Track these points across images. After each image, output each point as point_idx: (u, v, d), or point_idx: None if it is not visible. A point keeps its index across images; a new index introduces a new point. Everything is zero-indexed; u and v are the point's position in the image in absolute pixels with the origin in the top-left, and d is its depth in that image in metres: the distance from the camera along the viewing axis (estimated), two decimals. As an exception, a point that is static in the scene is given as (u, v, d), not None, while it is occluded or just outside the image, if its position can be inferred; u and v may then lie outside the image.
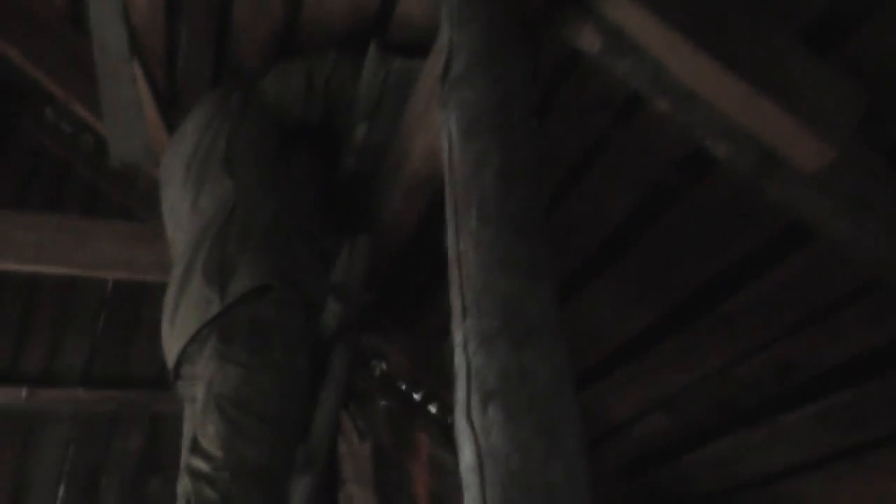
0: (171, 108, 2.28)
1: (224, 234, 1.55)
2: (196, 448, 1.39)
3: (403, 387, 3.05)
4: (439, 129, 1.46)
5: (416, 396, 3.09)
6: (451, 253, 0.96)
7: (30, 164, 3.27)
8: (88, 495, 2.73)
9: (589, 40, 1.32)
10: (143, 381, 2.93)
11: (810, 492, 2.12)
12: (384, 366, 2.87)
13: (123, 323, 3.02)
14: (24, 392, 2.73)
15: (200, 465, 1.36)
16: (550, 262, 0.93)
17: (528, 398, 0.81)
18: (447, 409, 3.10)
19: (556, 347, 0.86)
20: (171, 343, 1.58)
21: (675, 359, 2.07)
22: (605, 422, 2.42)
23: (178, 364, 1.58)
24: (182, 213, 1.68)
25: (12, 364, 2.80)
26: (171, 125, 2.17)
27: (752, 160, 1.31)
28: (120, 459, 2.81)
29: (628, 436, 2.41)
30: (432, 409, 3.17)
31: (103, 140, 3.15)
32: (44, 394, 2.76)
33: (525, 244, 0.92)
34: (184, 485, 1.37)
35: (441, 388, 2.71)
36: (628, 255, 1.97)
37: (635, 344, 2.17)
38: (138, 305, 3.06)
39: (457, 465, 2.35)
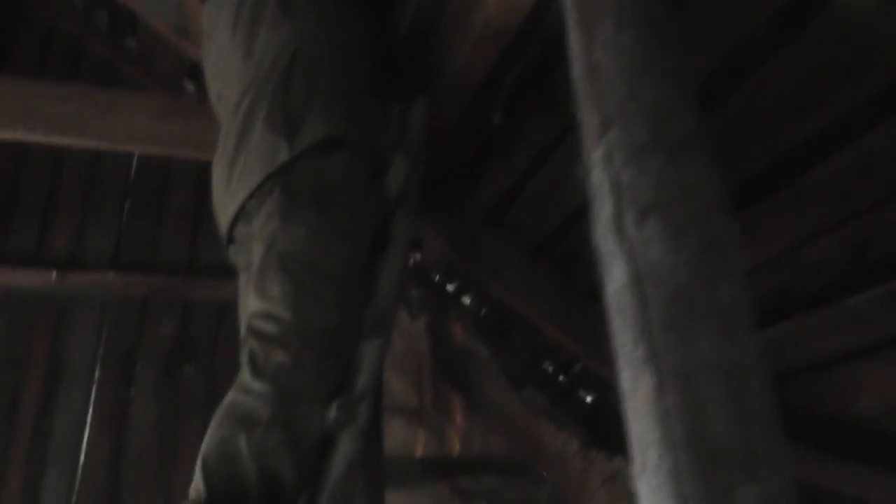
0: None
1: (287, 82, 1.42)
2: (259, 310, 1.31)
3: (437, 277, 2.99)
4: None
5: (450, 287, 3.04)
6: (581, 66, 0.85)
7: (41, 43, 3.10)
8: (125, 379, 2.71)
9: None
10: (173, 266, 2.86)
11: (866, 379, 2.08)
12: (418, 255, 2.80)
13: (150, 206, 2.93)
14: (53, 275, 2.67)
15: (266, 327, 1.29)
16: (692, 73, 0.83)
17: (691, 213, 0.72)
18: (482, 300, 3.06)
19: (711, 160, 0.76)
20: (228, 201, 1.48)
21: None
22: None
23: (233, 224, 1.49)
24: (232, 64, 1.54)
25: (39, 246, 2.73)
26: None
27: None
28: (153, 345, 2.78)
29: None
30: (466, 300, 3.13)
31: (119, 16, 2.99)
32: (73, 277, 2.70)
33: (668, 51, 0.82)
34: (250, 347, 1.29)
35: (480, 276, 2.63)
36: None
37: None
38: (164, 188, 2.97)
39: (488, 354, 2.29)
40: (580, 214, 2.29)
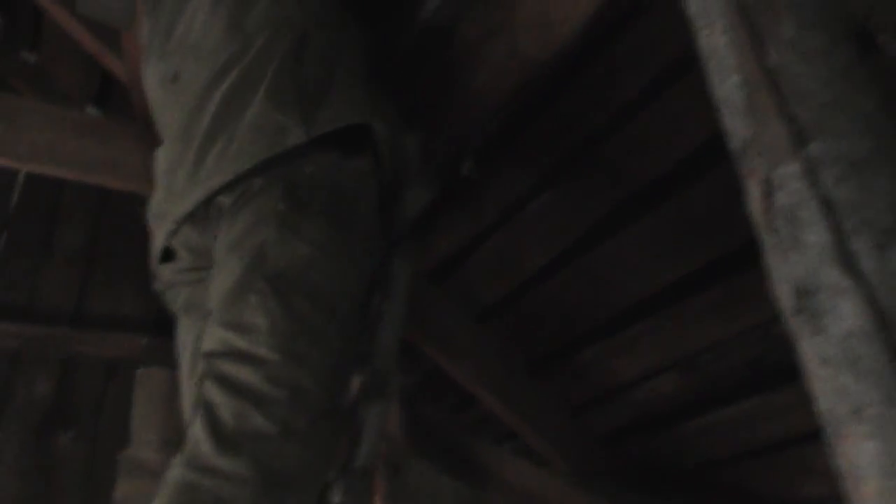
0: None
1: (301, 53, 1.16)
2: (228, 348, 0.97)
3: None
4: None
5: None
6: (749, 70, 0.71)
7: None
8: (-19, 449, 2.21)
9: None
10: (54, 315, 2.43)
11: (814, 462, 2.05)
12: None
13: (32, 242, 2.50)
14: None
15: (241, 373, 0.94)
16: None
17: (943, 241, 0.58)
18: (416, 366, 2.83)
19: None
20: (183, 193, 1.12)
21: (708, 314, 1.93)
22: (605, 382, 2.26)
23: (178, 228, 1.15)
24: (208, 37, 1.24)
25: None
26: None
27: None
28: (23, 408, 2.30)
29: (627, 398, 2.26)
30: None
31: (18, 24, 2.62)
32: (-75, 322, 2.21)
33: (860, 52, 0.70)
34: (209, 401, 0.94)
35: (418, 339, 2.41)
36: (673, 199, 1.80)
37: (659, 298, 2.01)
38: (51, 224, 2.56)
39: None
40: (538, 280, 2.18)
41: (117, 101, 2.54)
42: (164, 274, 1.25)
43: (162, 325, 1.35)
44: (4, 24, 2.64)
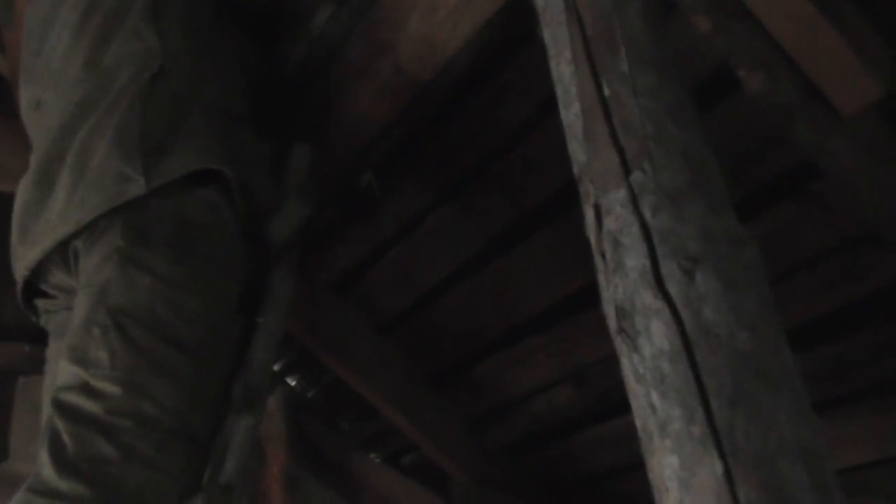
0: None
1: (149, 99, 1.17)
2: (74, 381, 1.00)
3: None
4: (438, 9, 1.26)
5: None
6: (588, 100, 0.75)
7: None
8: None
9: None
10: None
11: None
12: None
13: None
14: None
15: (84, 404, 0.97)
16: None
17: (745, 266, 0.63)
18: (310, 381, 2.80)
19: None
20: (40, 237, 1.15)
21: (599, 329, 1.99)
22: (502, 395, 2.29)
23: (41, 269, 1.17)
24: (68, 70, 1.26)
25: None
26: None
27: (790, 96, 1.24)
28: None
29: (524, 410, 2.30)
30: (290, 381, 2.85)
31: None
32: None
33: (686, 93, 0.75)
34: (53, 431, 0.96)
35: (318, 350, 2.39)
36: (566, 216, 1.86)
37: (553, 312, 2.06)
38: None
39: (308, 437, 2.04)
40: (437, 294, 2.20)
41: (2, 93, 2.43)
42: (40, 305, 1.26)
43: (45, 334, 1.31)
44: None
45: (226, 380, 1.15)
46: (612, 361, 2.05)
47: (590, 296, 1.93)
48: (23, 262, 1.18)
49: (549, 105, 1.63)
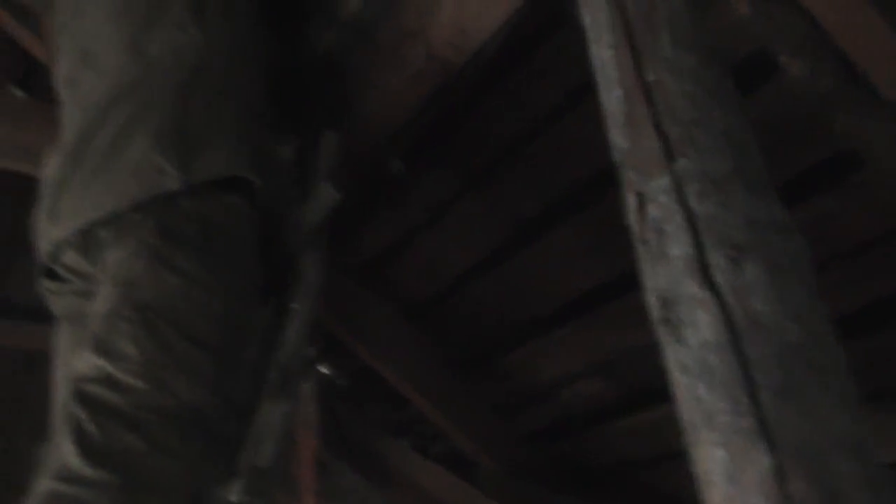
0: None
1: (189, 96, 1.19)
2: (97, 373, 1.01)
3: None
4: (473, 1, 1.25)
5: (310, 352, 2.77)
6: (629, 84, 0.73)
7: None
8: None
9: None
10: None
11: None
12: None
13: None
14: None
15: (108, 396, 0.99)
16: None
17: (791, 255, 0.61)
18: (343, 367, 2.82)
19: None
20: (66, 214, 1.17)
21: (629, 318, 1.97)
22: (531, 383, 2.29)
23: (60, 249, 1.18)
24: (109, 54, 1.26)
25: None
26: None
27: (831, 82, 1.21)
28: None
29: (553, 399, 2.29)
30: (321, 368, 2.87)
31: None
32: None
33: (727, 76, 0.73)
34: (76, 420, 0.98)
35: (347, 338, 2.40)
36: (597, 204, 1.83)
37: (583, 301, 2.05)
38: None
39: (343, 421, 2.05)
40: (466, 281, 2.20)
41: (43, 82, 2.46)
42: (48, 285, 1.26)
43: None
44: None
45: (250, 372, 1.16)
46: (642, 351, 2.04)
47: (619, 284, 1.93)
48: (47, 238, 1.20)
49: (580, 90, 1.62)
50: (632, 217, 0.71)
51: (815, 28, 1.18)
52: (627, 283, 2.02)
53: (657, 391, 2.11)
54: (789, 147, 1.46)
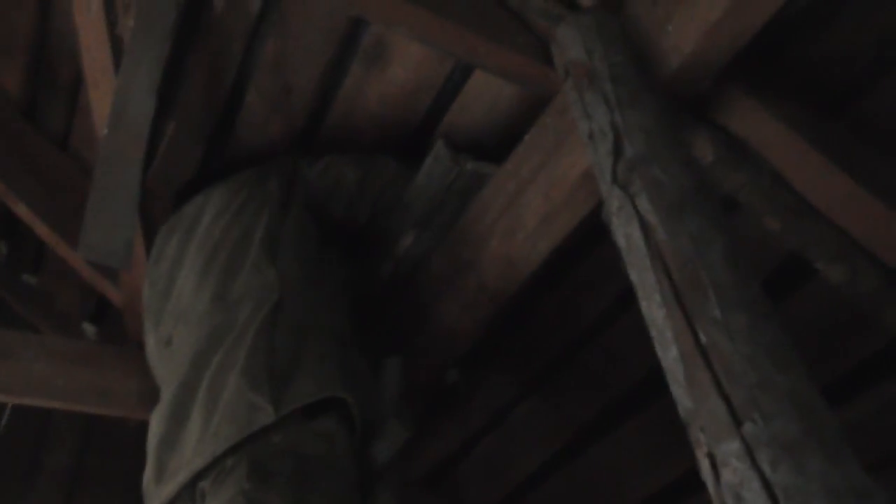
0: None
1: (271, 333, 1.25)
2: None
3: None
4: (517, 232, 1.34)
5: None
6: (685, 346, 0.78)
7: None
8: None
9: (701, 150, 1.26)
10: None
11: None
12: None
13: (19, 467, 2.47)
14: None
15: None
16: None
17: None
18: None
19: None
20: (174, 470, 1.19)
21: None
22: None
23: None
24: (196, 306, 1.36)
25: None
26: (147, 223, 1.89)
27: (872, 282, 1.24)
28: None
29: None
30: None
31: (21, 249, 2.76)
32: None
33: (779, 334, 0.77)
34: None
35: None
36: (655, 404, 1.83)
37: (652, 501, 1.98)
38: (37, 447, 2.54)
39: None
40: (530, 485, 2.15)
41: (112, 318, 2.61)
42: None
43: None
44: (8, 249, 2.78)
45: None
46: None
47: (686, 484, 1.87)
48: (157, 500, 1.20)
49: (626, 297, 1.68)
50: (706, 478, 0.72)
51: (847, 237, 1.24)
52: (693, 482, 1.96)
53: None
54: (837, 342, 1.48)
